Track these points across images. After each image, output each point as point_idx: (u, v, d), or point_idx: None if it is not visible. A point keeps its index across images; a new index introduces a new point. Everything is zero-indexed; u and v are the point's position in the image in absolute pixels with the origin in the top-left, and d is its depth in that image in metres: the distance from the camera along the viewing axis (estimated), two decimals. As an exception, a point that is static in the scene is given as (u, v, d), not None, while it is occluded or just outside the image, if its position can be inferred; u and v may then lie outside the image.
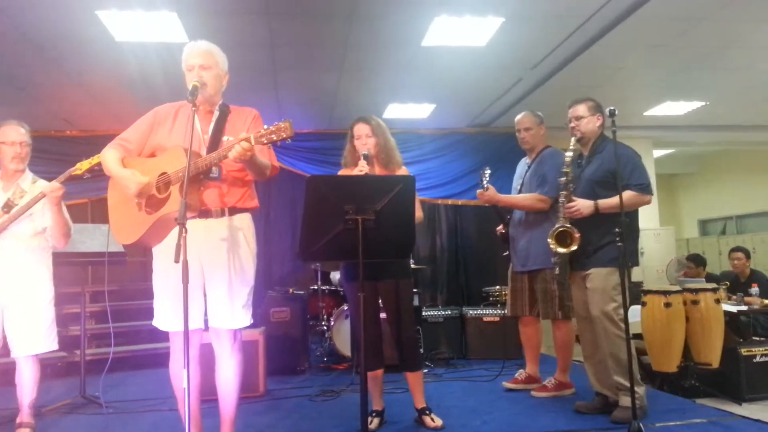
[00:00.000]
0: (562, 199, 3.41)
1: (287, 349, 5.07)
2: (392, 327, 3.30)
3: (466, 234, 7.43)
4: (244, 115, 2.80)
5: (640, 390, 3.32)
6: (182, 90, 2.70)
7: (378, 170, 3.37)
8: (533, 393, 4.00)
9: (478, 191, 3.91)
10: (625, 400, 3.26)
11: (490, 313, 5.55)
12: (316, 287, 6.13)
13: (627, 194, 3.24)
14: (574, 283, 3.59)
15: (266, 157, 2.67)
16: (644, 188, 3.32)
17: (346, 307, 5.43)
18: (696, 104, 6.95)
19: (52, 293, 3.44)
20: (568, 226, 3.35)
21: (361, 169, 3.17)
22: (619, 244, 3.00)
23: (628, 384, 3.21)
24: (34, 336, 3.30)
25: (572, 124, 3.49)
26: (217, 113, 2.74)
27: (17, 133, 3.36)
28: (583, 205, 3.34)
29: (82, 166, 3.20)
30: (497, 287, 6.02)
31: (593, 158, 3.46)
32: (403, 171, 3.43)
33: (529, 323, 4.18)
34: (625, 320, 3.06)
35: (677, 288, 4.54)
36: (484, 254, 7.19)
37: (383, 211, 2.65)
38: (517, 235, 4.09)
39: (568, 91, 6.01)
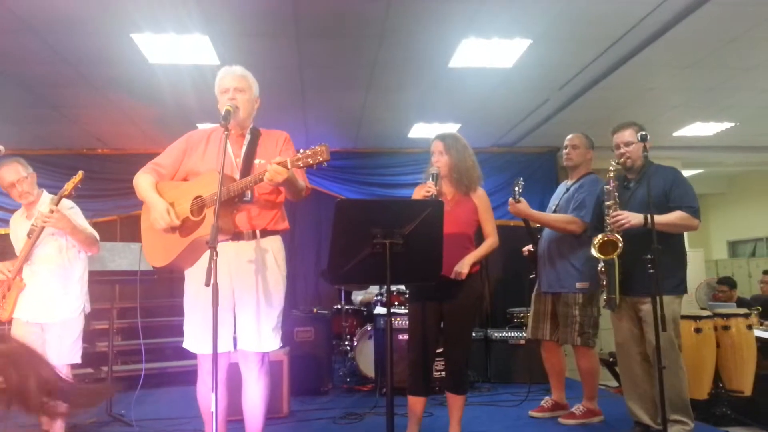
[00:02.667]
0: (608, 210, 3.34)
1: (311, 369, 5.05)
2: (444, 345, 3.29)
3: (491, 254, 7.34)
4: (275, 137, 2.83)
5: (687, 427, 3.25)
6: (213, 111, 2.75)
7: (447, 189, 3.35)
8: (561, 420, 3.93)
9: (510, 200, 3.85)
10: (674, 429, 3.20)
11: (515, 336, 5.48)
12: (339, 307, 6.13)
13: (678, 214, 3.23)
14: (620, 313, 3.46)
15: (302, 178, 2.69)
16: (695, 211, 3.27)
17: (369, 327, 5.42)
18: (726, 125, 6.85)
19: (80, 309, 3.55)
20: (612, 234, 3.26)
21: (428, 189, 3.15)
22: (651, 271, 2.94)
23: (683, 418, 3.19)
24: (63, 347, 3.43)
25: (621, 150, 3.43)
26: (248, 137, 2.78)
27: (12, 173, 3.45)
28: (631, 215, 3.24)
29: (68, 187, 3.33)
30: (521, 309, 5.95)
31: (642, 181, 3.39)
32: (480, 193, 3.38)
33: (551, 349, 4.10)
34: (657, 350, 3.00)
35: (707, 313, 4.46)
36: (509, 275, 7.10)
37: (411, 235, 2.65)
38: (545, 254, 4.04)
39: (595, 111, 6.02)
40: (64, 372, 3.44)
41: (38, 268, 3.44)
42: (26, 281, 3.43)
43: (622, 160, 3.43)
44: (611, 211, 3.31)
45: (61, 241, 3.48)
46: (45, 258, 3.45)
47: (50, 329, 3.43)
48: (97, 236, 3.59)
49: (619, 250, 3.23)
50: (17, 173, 3.45)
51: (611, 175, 3.39)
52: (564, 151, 4.12)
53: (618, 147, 3.46)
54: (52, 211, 3.27)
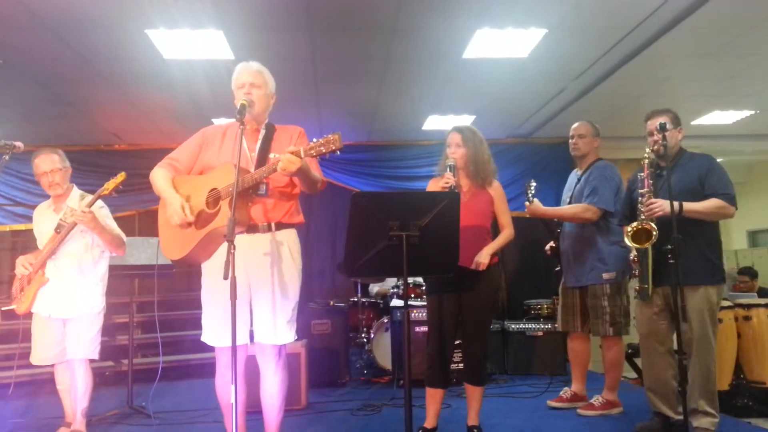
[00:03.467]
0: (641, 198, 3.28)
1: (328, 361, 5.08)
2: (463, 337, 3.30)
3: (507, 245, 7.31)
4: (289, 132, 2.84)
5: (715, 419, 3.21)
6: (227, 106, 2.76)
7: (463, 182, 3.35)
8: (580, 411, 3.91)
9: (526, 203, 3.87)
10: (704, 421, 3.17)
11: (533, 328, 5.46)
12: (355, 299, 6.15)
13: (714, 201, 3.17)
14: (651, 304, 3.37)
15: (316, 170, 2.70)
16: (731, 198, 3.19)
17: (385, 320, 5.43)
18: (745, 113, 6.75)
19: (102, 306, 3.57)
20: (647, 223, 3.19)
21: (447, 180, 3.15)
22: (671, 261, 2.91)
23: (710, 410, 3.15)
24: (78, 342, 3.46)
25: (654, 137, 3.36)
26: (263, 131, 2.79)
27: (48, 162, 3.47)
28: (666, 202, 3.14)
29: (109, 186, 3.29)
30: (538, 300, 5.93)
31: (676, 169, 3.31)
32: (495, 185, 3.39)
33: (579, 339, 4.08)
34: (678, 340, 2.98)
35: (728, 303, 4.42)
36: (526, 267, 7.09)
37: (428, 227, 2.65)
38: (568, 250, 4.02)
39: (612, 101, 5.95)
40: (83, 366, 3.46)
41: (62, 263, 3.44)
42: (50, 276, 3.42)
43: (655, 147, 3.37)
44: (645, 199, 3.26)
45: (88, 240, 3.49)
46: (70, 254, 3.45)
47: (70, 323, 3.45)
48: (125, 238, 3.60)
49: (653, 239, 3.17)
50: (52, 163, 3.47)
51: (645, 162, 3.34)
52: (571, 141, 4.09)
53: (651, 134, 3.40)
54: (84, 212, 3.25)
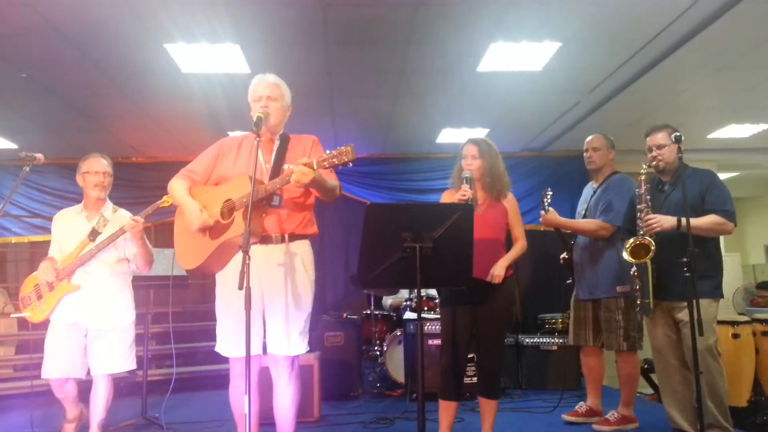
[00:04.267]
0: (640, 214, 3.29)
1: (341, 374, 5.07)
2: (478, 350, 3.29)
3: (520, 259, 7.28)
4: (304, 142, 2.87)
5: None
6: (244, 119, 2.78)
7: (479, 193, 3.36)
8: (595, 427, 3.86)
9: (541, 212, 3.86)
10: None
11: (547, 342, 5.42)
12: (368, 312, 6.15)
13: (712, 218, 3.17)
14: (655, 319, 3.40)
15: (331, 177, 2.71)
16: (730, 215, 3.20)
17: (399, 332, 5.42)
18: (762, 126, 6.68)
19: (133, 316, 3.55)
20: (644, 238, 3.21)
21: (464, 193, 3.15)
22: (687, 274, 2.89)
23: (723, 424, 3.11)
24: (112, 356, 3.40)
25: (653, 153, 3.38)
26: (278, 142, 2.83)
27: (101, 164, 3.54)
28: (664, 218, 3.19)
29: (169, 200, 3.20)
30: (553, 314, 5.89)
31: (678, 184, 3.32)
32: (510, 197, 3.40)
33: (592, 354, 4.04)
34: (694, 355, 2.95)
35: (746, 318, 4.37)
36: (539, 280, 7.04)
37: (441, 239, 2.65)
38: (581, 261, 4.00)
39: (626, 114, 5.93)
40: (105, 380, 3.39)
41: (94, 270, 3.40)
42: (79, 283, 3.35)
43: (654, 163, 3.38)
44: (643, 214, 3.26)
45: (120, 251, 3.49)
46: (102, 262, 3.42)
47: (97, 339, 3.37)
48: (154, 258, 3.60)
49: (651, 254, 3.17)
50: (106, 166, 3.54)
51: (642, 178, 3.35)
52: (585, 154, 4.08)
53: (650, 150, 3.41)
54: (137, 220, 3.26)
